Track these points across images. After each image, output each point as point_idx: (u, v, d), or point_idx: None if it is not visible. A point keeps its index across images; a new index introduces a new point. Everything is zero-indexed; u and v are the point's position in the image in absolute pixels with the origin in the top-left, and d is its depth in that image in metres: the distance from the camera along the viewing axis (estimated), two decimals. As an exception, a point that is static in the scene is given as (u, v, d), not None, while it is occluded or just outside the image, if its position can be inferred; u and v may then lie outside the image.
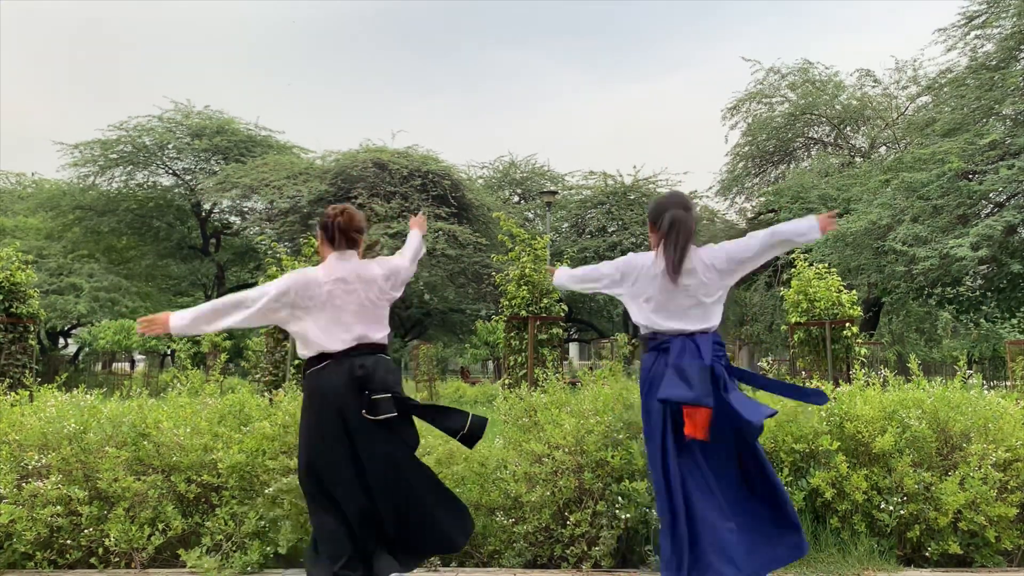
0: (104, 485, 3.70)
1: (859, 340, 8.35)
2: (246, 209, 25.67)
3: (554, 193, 22.02)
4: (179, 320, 2.96)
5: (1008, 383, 12.08)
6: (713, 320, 3.10)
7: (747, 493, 2.99)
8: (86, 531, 3.67)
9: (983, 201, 14.70)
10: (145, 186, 25.75)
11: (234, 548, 3.68)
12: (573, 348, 47.74)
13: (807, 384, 4.59)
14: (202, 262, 27.71)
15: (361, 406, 2.87)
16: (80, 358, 34.74)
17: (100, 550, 3.67)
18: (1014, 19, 15.27)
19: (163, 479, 3.82)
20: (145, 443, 3.93)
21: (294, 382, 6.54)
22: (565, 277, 3.58)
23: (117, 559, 3.70)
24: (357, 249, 3.13)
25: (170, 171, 25.75)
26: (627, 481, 3.75)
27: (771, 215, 21.85)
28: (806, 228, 3.13)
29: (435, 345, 23.47)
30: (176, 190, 26.13)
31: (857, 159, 22.68)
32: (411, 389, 16.50)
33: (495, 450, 4.22)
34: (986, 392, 4.30)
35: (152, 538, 3.66)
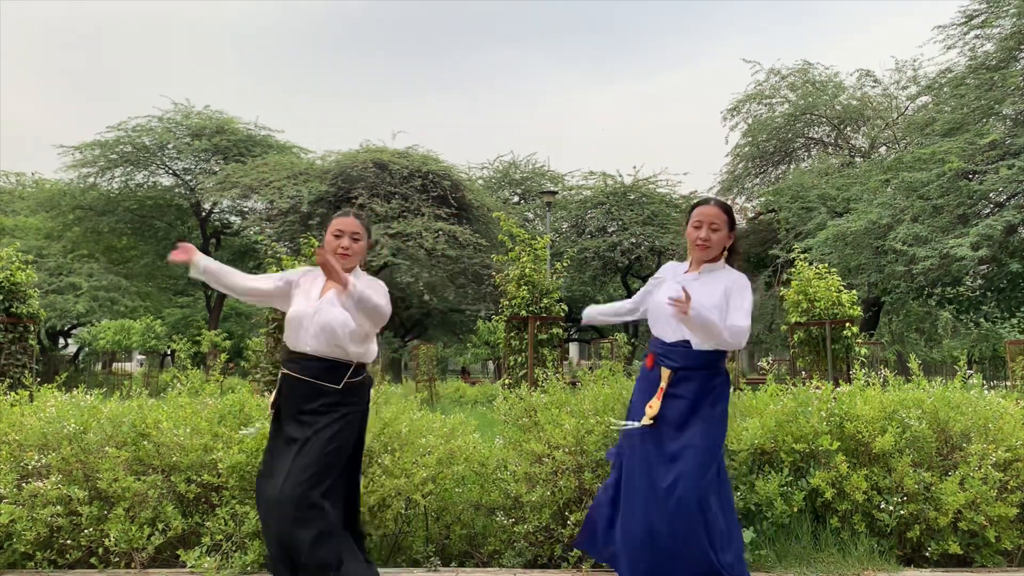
0: (104, 485, 3.70)
1: (859, 340, 8.34)
2: (246, 209, 25.67)
3: (554, 193, 22.03)
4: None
5: (1008, 383, 12.08)
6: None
7: None
8: (86, 531, 3.67)
9: (983, 201, 14.70)
10: (145, 186, 25.74)
11: (234, 548, 3.68)
12: (573, 348, 47.74)
13: (808, 384, 4.59)
14: (201, 262, 27.65)
15: None
16: (80, 358, 34.76)
17: (100, 550, 3.67)
18: (1014, 19, 15.27)
19: (163, 479, 3.81)
20: (145, 443, 3.93)
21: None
22: None
23: (117, 559, 3.70)
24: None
25: (170, 171, 25.75)
26: (627, 481, 3.75)
27: (771, 215, 21.85)
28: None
29: (435, 345, 23.45)
30: (176, 190, 26.12)
31: (857, 159, 22.67)
32: (411, 389, 16.49)
33: (495, 450, 4.22)
34: (986, 392, 4.30)
35: (152, 538, 3.65)
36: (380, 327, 3.07)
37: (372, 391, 4.20)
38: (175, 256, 3.01)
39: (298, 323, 2.99)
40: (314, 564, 2.77)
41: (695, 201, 3.21)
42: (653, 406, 2.98)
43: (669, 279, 3.18)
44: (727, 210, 3.11)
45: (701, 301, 2.90)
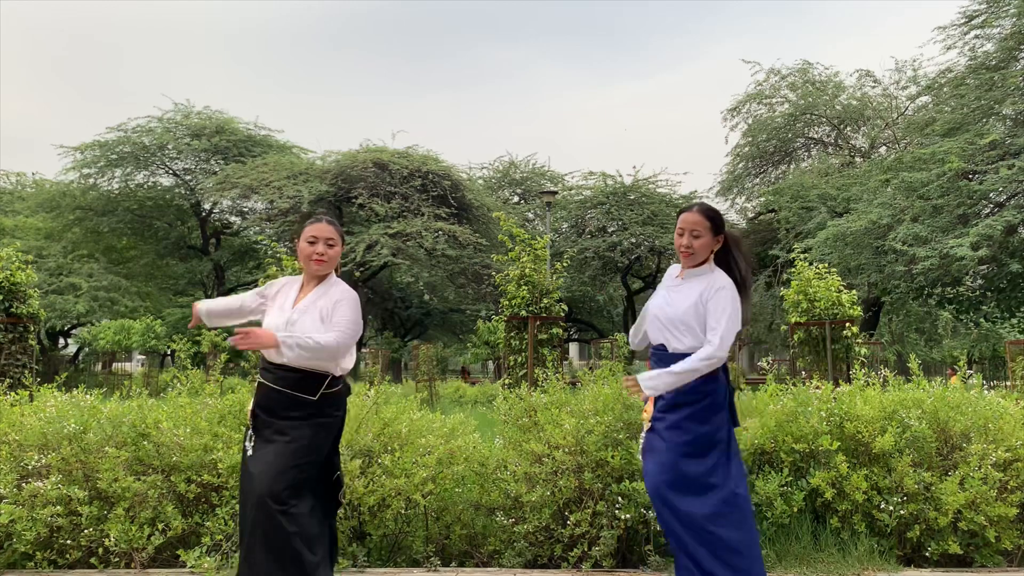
0: (104, 485, 3.70)
1: (859, 340, 8.34)
2: (246, 209, 25.69)
3: (554, 193, 22.02)
4: None
5: (1008, 383, 12.08)
6: None
7: None
8: (86, 531, 3.66)
9: (983, 201, 14.70)
10: (145, 186, 25.76)
11: (234, 548, 3.68)
12: (573, 348, 47.76)
13: (807, 384, 4.59)
14: (201, 261, 27.71)
15: None
16: (80, 358, 34.75)
17: (100, 550, 3.67)
18: (1014, 19, 15.27)
19: (163, 479, 3.81)
20: (145, 443, 3.92)
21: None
22: None
23: (117, 559, 3.70)
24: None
25: (170, 171, 25.77)
26: (627, 481, 3.75)
27: (771, 215, 21.85)
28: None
29: (435, 345, 23.43)
30: (176, 190, 26.13)
31: (857, 159, 22.69)
32: (411, 389, 16.48)
33: (495, 450, 4.22)
34: (986, 392, 4.30)
35: (152, 538, 3.65)
36: (353, 340, 3.05)
37: (372, 391, 4.20)
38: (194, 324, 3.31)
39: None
40: (289, 556, 2.84)
41: (681, 207, 3.20)
42: (648, 410, 3.07)
43: (662, 286, 3.24)
44: (710, 215, 3.08)
45: (687, 307, 2.99)
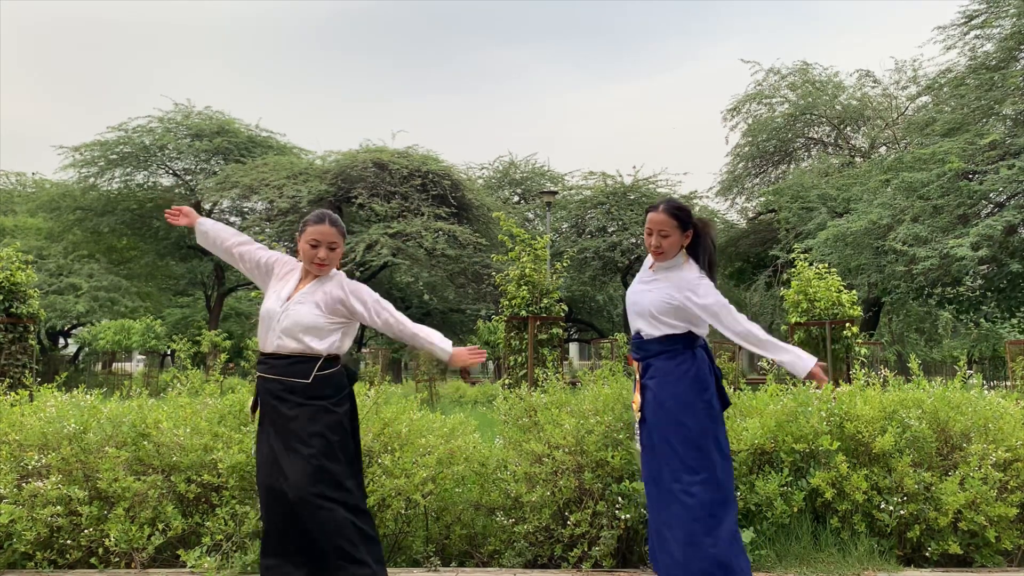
0: (104, 485, 3.70)
1: (859, 340, 8.34)
2: (246, 209, 25.67)
3: (554, 193, 22.01)
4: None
5: (1008, 383, 12.09)
6: None
7: None
8: (86, 531, 3.66)
9: (983, 201, 14.71)
10: (145, 186, 25.74)
11: (234, 548, 3.68)
12: (573, 348, 47.78)
13: (807, 385, 4.59)
14: (201, 261, 27.71)
15: None
16: (80, 358, 34.76)
17: (100, 550, 3.67)
18: (1014, 19, 15.27)
19: (163, 479, 3.81)
20: (145, 443, 3.93)
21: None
22: None
23: (117, 559, 3.70)
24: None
25: (170, 171, 25.76)
26: (627, 481, 3.75)
27: (771, 215, 21.84)
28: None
29: (435, 345, 23.34)
30: (176, 190, 26.11)
31: (857, 159, 22.69)
32: (411, 389, 16.47)
33: (495, 450, 4.22)
34: (986, 392, 4.30)
35: (152, 538, 3.65)
36: (353, 319, 3.05)
37: (372, 391, 4.19)
38: (175, 220, 3.25)
39: (267, 324, 3.00)
40: (332, 547, 2.85)
41: (648, 205, 3.22)
42: (636, 400, 3.13)
43: (638, 277, 3.28)
44: (676, 214, 3.07)
45: (651, 300, 3.06)
